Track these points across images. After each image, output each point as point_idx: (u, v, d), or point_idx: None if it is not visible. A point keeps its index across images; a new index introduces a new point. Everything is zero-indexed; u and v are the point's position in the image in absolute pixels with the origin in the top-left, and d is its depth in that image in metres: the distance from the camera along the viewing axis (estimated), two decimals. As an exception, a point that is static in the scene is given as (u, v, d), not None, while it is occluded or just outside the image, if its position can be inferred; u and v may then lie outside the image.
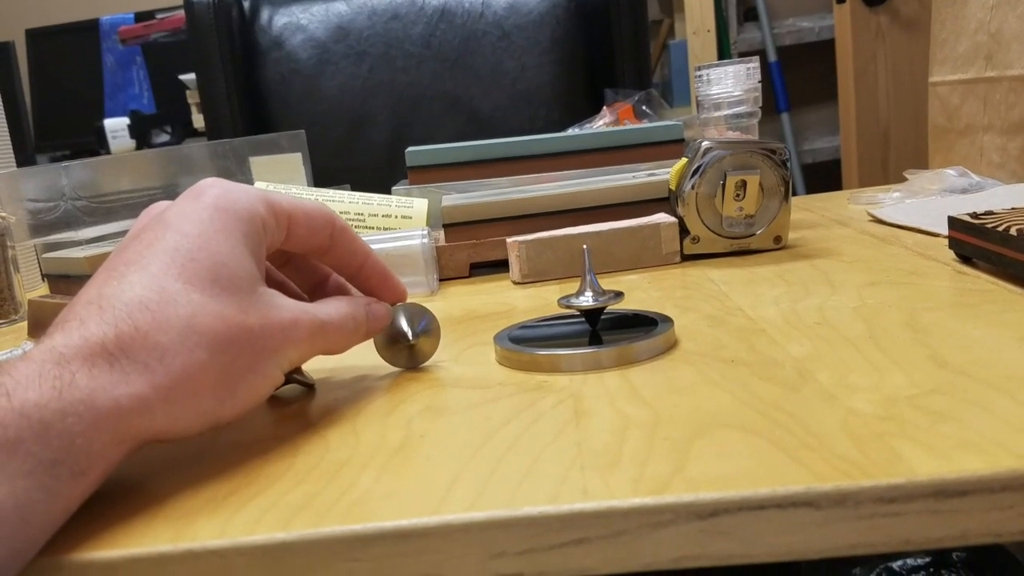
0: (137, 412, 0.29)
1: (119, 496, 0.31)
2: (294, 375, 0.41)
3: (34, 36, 2.53)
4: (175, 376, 0.30)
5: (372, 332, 0.40)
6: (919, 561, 0.72)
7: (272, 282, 0.41)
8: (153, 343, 0.30)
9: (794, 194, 0.62)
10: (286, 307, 0.35)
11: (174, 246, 0.33)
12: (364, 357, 0.42)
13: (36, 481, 0.26)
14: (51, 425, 0.27)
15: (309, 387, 0.42)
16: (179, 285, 0.31)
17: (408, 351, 0.42)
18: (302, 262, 0.42)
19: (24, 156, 2.28)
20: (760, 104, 0.71)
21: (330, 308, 0.37)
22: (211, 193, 0.35)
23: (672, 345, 0.41)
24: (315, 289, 0.42)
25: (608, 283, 0.45)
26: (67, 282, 0.66)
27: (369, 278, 0.41)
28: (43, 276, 0.78)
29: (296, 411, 0.39)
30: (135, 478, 0.32)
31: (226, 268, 0.33)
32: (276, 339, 0.34)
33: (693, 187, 0.60)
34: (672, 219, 0.61)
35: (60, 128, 2.49)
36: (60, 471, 0.27)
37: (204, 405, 0.31)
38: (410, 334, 0.42)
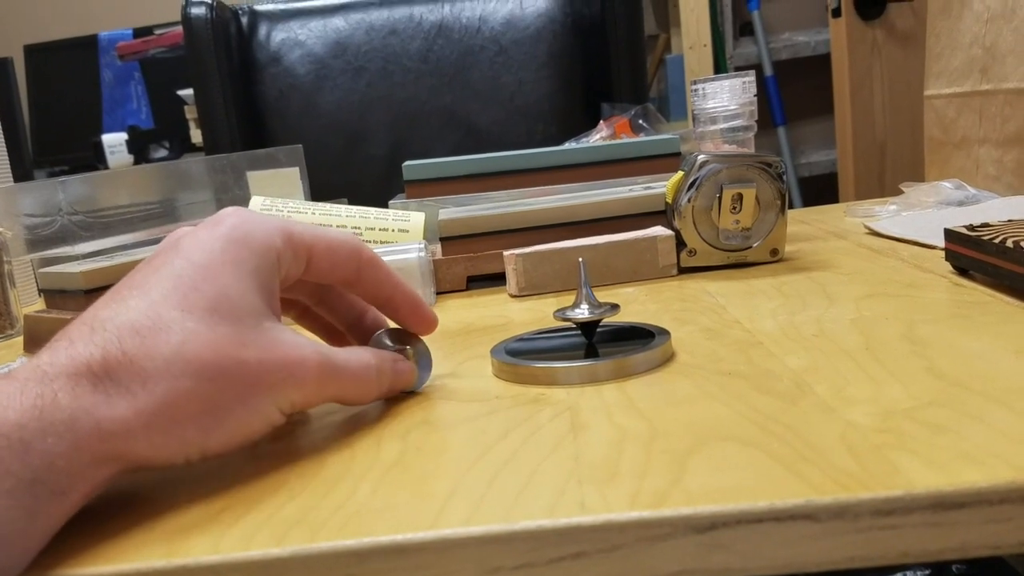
0: (119, 436, 0.29)
1: (112, 511, 0.30)
2: None
3: (33, 52, 2.54)
4: (157, 403, 0.29)
5: (396, 388, 0.39)
6: (919, 574, 0.72)
7: (306, 317, 0.42)
8: (138, 368, 0.29)
9: (791, 207, 0.62)
10: (294, 345, 0.33)
11: (179, 273, 0.32)
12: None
13: (15, 500, 0.26)
14: (31, 445, 0.27)
15: None
16: (176, 313, 0.31)
17: None
18: (337, 300, 0.41)
19: (22, 171, 2.28)
20: (756, 117, 0.71)
21: (350, 355, 0.36)
22: (228, 223, 0.34)
23: (669, 358, 0.41)
24: (353, 325, 0.42)
25: (605, 296, 0.45)
26: (63, 297, 0.66)
27: (399, 308, 0.41)
28: (39, 291, 0.78)
29: (290, 425, 0.39)
30: (128, 493, 0.32)
31: (228, 300, 0.32)
32: (275, 376, 0.32)
33: (689, 200, 0.60)
34: (669, 232, 0.61)
35: (58, 143, 2.50)
36: (40, 490, 0.27)
37: (187, 434, 0.30)
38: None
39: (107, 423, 0.28)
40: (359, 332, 0.42)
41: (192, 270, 0.32)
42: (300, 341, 0.34)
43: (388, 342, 0.41)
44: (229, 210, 0.35)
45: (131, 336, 0.30)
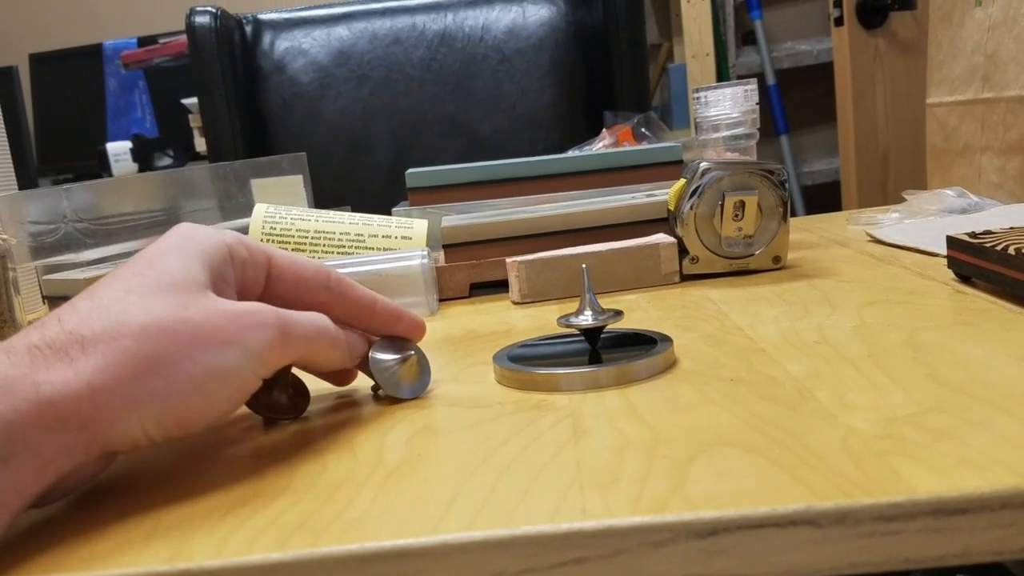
0: (60, 397, 0.29)
1: (115, 515, 0.30)
2: (278, 403, 0.40)
3: (38, 60, 2.55)
4: (96, 362, 0.29)
5: (355, 356, 0.39)
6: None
7: None
8: (78, 336, 0.30)
9: (793, 215, 0.63)
10: (245, 303, 0.34)
11: (125, 267, 0.34)
12: (361, 376, 0.42)
13: None
14: None
15: (291, 417, 0.40)
16: (119, 294, 0.32)
17: (395, 387, 0.41)
18: None
19: (26, 179, 2.29)
20: (758, 125, 0.71)
21: (300, 313, 0.36)
22: (177, 230, 0.36)
23: (671, 364, 0.41)
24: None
25: (608, 303, 0.45)
26: (67, 304, 0.66)
27: (385, 321, 0.41)
28: (44, 298, 0.78)
29: (293, 430, 0.39)
30: (131, 497, 0.32)
31: (170, 276, 0.33)
32: (229, 329, 0.32)
33: (692, 208, 0.60)
34: (671, 239, 0.62)
35: (63, 152, 2.51)
36: None
37: (132, 393, 0.30)
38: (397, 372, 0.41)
39: (45, 385, 0.28)
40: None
41: (136, 262, 0.34)
42: (248, 303, 0.34)
43: (389, 349, 0.41)
44: (182, 223, 0.37)
45: (70, 314, 0.31)
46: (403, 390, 0.41)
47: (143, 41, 2.36)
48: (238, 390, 0.33)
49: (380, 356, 0.40)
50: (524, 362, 0.42)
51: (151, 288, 0.32)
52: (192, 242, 0.35)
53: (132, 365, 0.30)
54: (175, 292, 0.32)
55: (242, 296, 0.37)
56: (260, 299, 0.38)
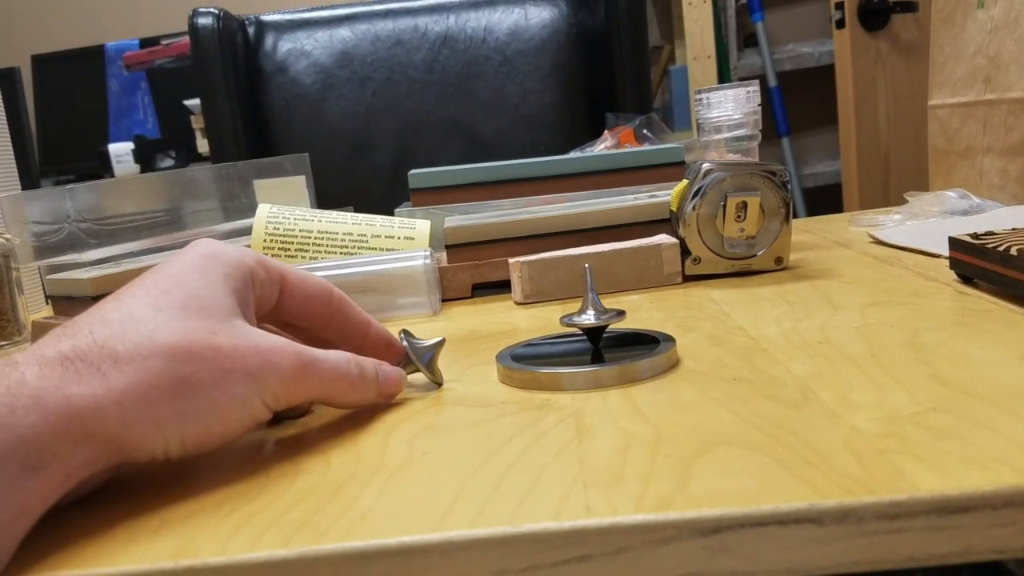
0: (89, 411, 0.29)
1: (120, 512, 0.31)
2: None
3: (40, 62, 2.55)
4: (128, 379, 0.30)
5: (385, 394, 0.39)
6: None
7: None
8: (109, 351, 0.30)
9: (795, 217, 0.63)
10: (268, 336, 0.35)
11: (152, 283, 0.34)
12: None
13: None
14: None
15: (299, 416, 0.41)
16: (148, 311, 0.32)
17: (426, 366, 0.42)
18: (336, 331, 0.42)
19: (29, 180, 2.29)
20: (760, 127, 0.71)
21: (329, 352, 0.37)
22: (200, 246, 0.37)
23: (674, 364, 0.41)
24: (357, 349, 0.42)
25: (610, 303, 0.45)
26: (71, 304, 0.66)
27: (375, 345, 0.42)
28: (47, 298, 0.78)
29: (298, 429, 0.39)
30: (136, 494, 0.32)
31: (197, 299, 0.33)
32: (251, 361, 0.33)
33: (694, 208, 0.60)
34: (673, 240, 0.62)
35: (65, 152, 2.51)
36: (9, 464, 0.27)
37: (161, 413, 0.30)
38: (420, 364, 0.42)
39: (76, 399, 0.29)
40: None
41: (163, 279, 0.34)
42: (275, 336, 0.35)
43: (415, 340, 0.42)
44: (201, 239, 0.37)
45: (101, 326, 0.31)
46: (433, 370, 0.42)
47: (145, 42, 2.37)
48: (252, 418, 0.34)
49: (414, 340, 0.42)
50: (527, 361, 0.42)
51: (180, 309, 0.33)
52: (217, 263, 0.36)
53: (162, 386, 0.31)
54: (203, 316, 0.33)
55: (257, 311, 0.38)
56: (272, 312, 0.39)
